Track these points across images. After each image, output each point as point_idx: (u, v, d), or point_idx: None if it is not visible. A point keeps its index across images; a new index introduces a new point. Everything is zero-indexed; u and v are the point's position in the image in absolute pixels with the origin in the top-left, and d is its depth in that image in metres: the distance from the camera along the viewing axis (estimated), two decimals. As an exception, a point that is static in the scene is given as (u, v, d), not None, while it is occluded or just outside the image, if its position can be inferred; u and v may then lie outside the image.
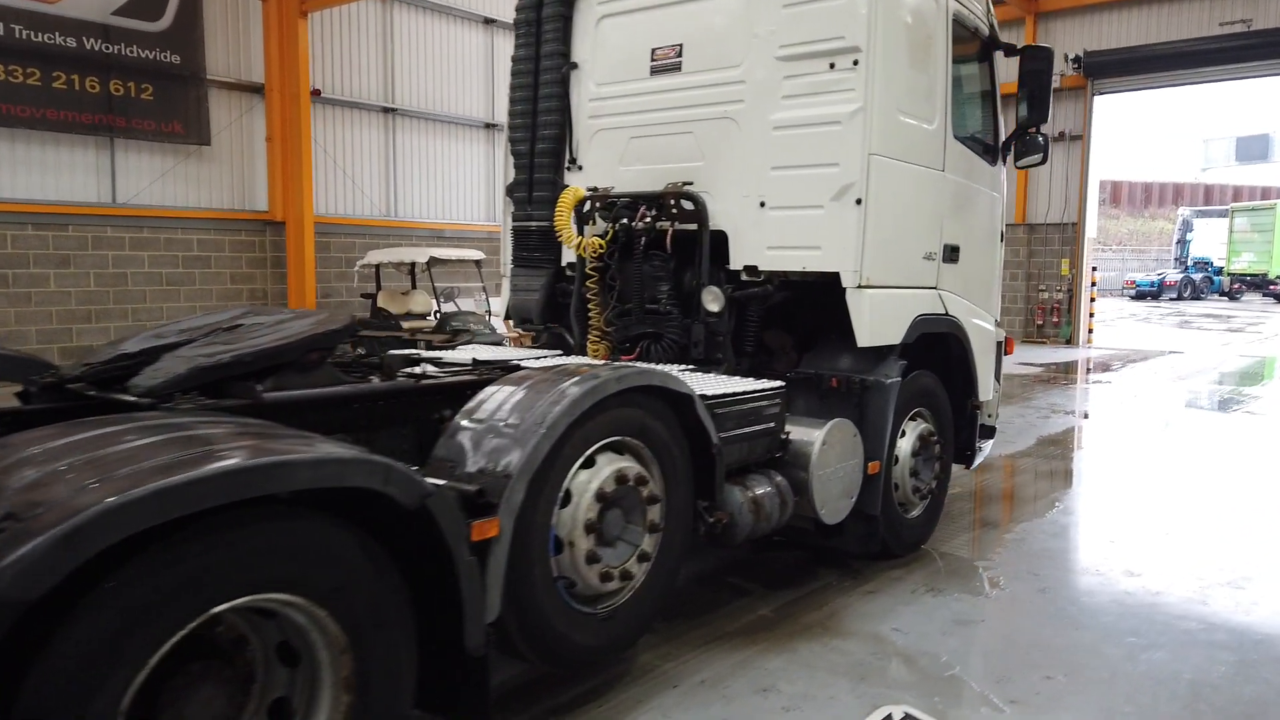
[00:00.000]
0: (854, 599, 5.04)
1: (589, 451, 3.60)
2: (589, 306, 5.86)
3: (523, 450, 3.21)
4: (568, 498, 3.51)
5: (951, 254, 5.82)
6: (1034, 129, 6.23)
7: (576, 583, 3.58)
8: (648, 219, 5.55)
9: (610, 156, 5.98)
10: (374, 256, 14.12)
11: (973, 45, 6.19)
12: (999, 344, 6.63)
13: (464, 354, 5.42)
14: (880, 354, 5.38)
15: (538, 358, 5.54)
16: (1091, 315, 21.69)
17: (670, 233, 5.53)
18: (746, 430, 4.47)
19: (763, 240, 5.32)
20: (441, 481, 2.91)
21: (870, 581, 5.31)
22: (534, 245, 6.22)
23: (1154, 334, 24.56)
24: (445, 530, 2.68)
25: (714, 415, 4.21)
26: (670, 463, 3.91)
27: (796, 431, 4.87)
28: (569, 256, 6.03)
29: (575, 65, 6.07)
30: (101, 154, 14.09)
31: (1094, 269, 22.09)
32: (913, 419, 5.73)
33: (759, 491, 4.49)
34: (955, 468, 6.44)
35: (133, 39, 14.15)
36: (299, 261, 15.60)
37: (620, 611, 3.78)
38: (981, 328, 6.30)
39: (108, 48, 13.89)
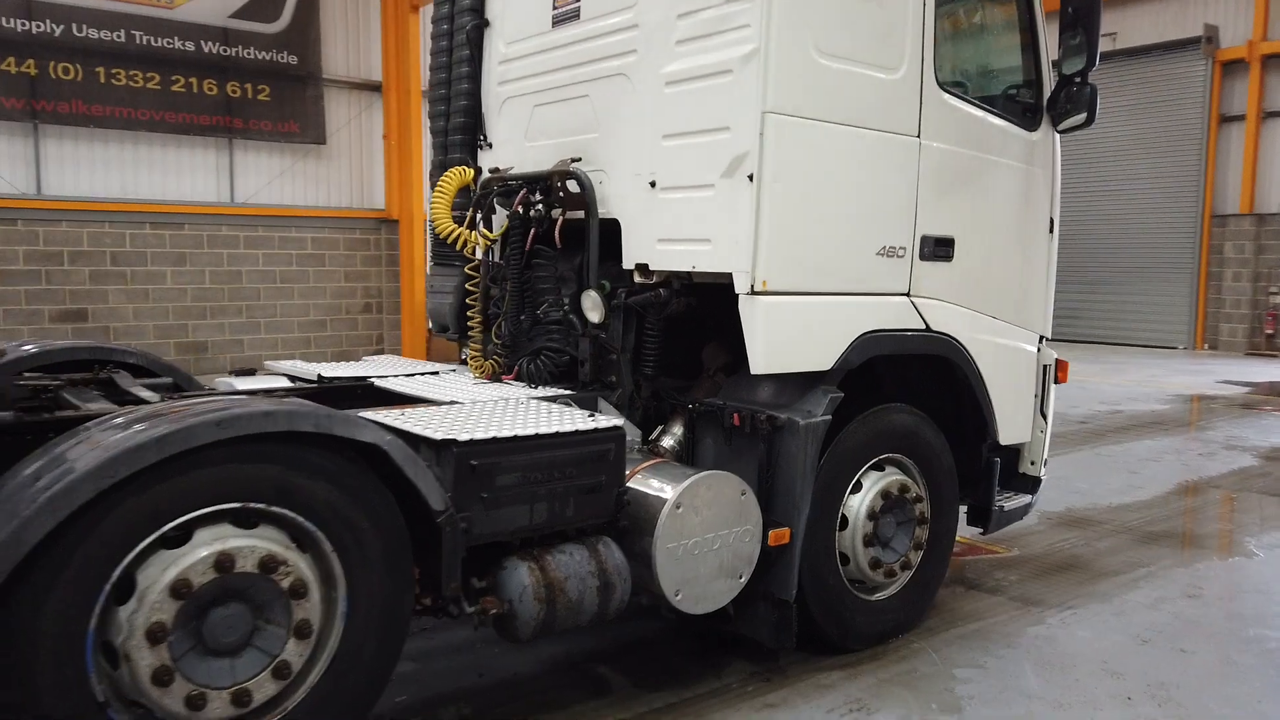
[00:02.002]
0: (742, 713, 3.73)
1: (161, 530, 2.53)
2: (478, 313, 4.81)
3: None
4: (128, 591, 2.50)
5: (939, 249, 4.32)
6: (1079, 78, 4.58)
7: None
8: (535, 206, 4.44)
9: (518, 131, 4.90)
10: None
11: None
12: (1045, 368, 4.99)
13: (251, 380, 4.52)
14: (808, 383, 4.01)
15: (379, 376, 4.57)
16: (1333, 325, 18.18)
17: (560, 223, 4.40)
18: (546, 487, 3.29)
19: (654, 231, 4.09)
20: None
21: (784, 687, 3.96)
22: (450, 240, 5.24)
23: None
24: None
25: (476, 468, 3.08)
26: (348, 537, 2.81)
27: (650, 488, 3.62)
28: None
29: (487, 23, 5.04)
30: (220, 155, 14.39)
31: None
32: (877, 468, 4.29)
33: (559, 571, 3.30)
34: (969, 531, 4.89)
35: (250, 41, 14.36)
36: (410, 259, 15.39)
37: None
38: (1006, 347, 4.72)
39: (226, 50, 14.16)
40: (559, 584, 3.29)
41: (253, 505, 2.60)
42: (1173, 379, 15.04)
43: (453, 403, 3.88)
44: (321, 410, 2.74)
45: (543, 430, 3.28)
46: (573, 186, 4.30)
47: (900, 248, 4.16)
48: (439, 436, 3.07)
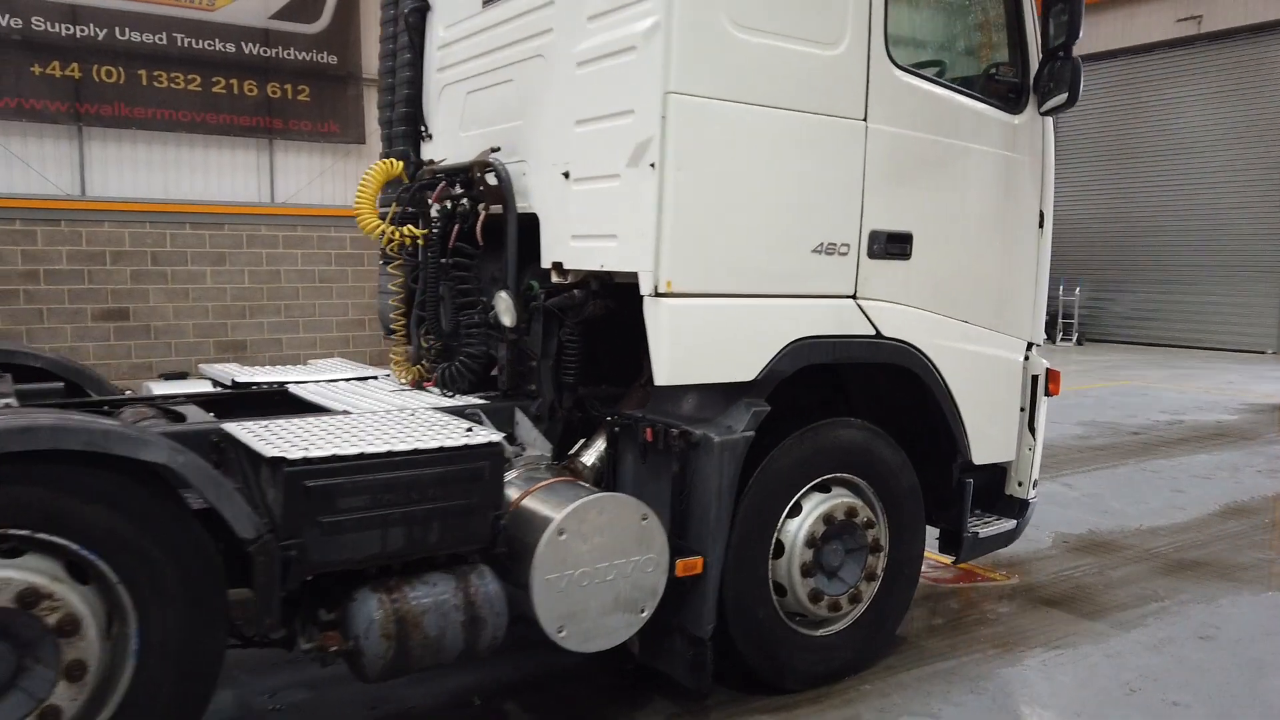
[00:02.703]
0: (644, 764, 3.35)
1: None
2: (401, 316, 4.51)
3: None
4: None
5: (893, 246, 3.86)
6: (1062, 52, 4.06)
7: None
8: (460, 200, 4.13)
9: (454, 120, 4.60)
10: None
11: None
12: (1034, 379, 4.47)
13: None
14: (737, 395, 3.60)
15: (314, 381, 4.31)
16: None
17: (483, 219, 4.07)
18: (403, 510, 2.96)
19: (568, 226, 3.74)
20: None
21: (700, 734, 3.57)
22: (395, 238, 4.96)
23: None
24: None
25: (311, 489, 2.77)
26: (137, 567, 2.52)
27: (537, 511, 3.27)
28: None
29: (428, 6, 4.74)
30: (260, 155, 14.46)
31: None
32: (822, 489, 3.86)
33: (416, 604, 2.97)
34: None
35: (290, 41, 14.40)
36: (448, 259, 15.26)
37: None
38: (981, 356, 4.23)
39: (266, 51, 14.22)
40: (413, 618, 2.96)
41: (12, 532, 2.33)
42: (1253, 386, 13.99)
43: (345, 412, 3.59)
44: (97, 426, 2.46)
45: (397, 448, 2.96)
46: (492, 179, 3.97)
47: (842, 244, 3.71)
48: (271, 453, 2.77)
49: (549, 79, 3.82)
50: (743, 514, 3.62)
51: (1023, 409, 4.49)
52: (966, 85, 4.14)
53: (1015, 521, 4.52)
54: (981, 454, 4.27)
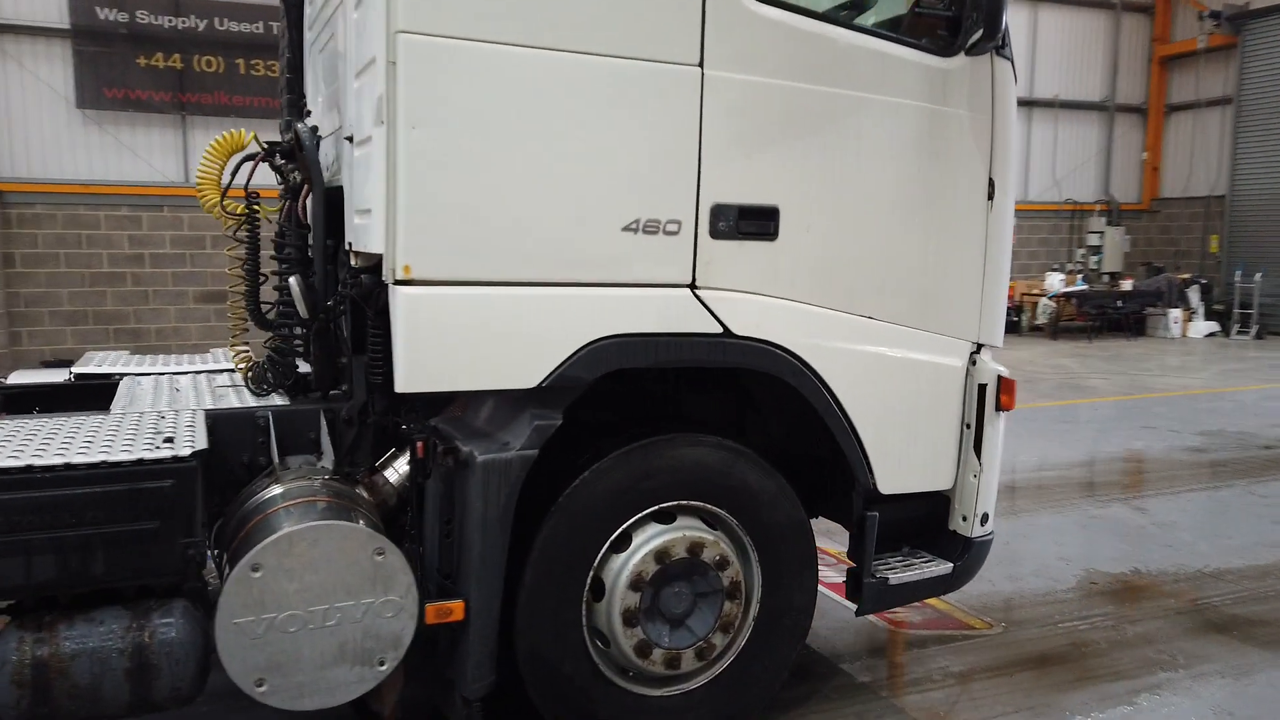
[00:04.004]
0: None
1: None
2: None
3: None
4: None
5: (749, 223, 3.09)
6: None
7: None
8: (280, 174, 3.67)
9: (314, 88, 4.13)
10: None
11: None
12: (981, 389, 3.58)
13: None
14: (519, 404, 2.97)
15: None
16: None
17: (305, 194, 3.58)
18: (52, 536, 2.51)
19: (352, 200, 3.19)
20: None
21: (476, 812, 2.96)
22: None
23: None
24: None
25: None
26: None
27: (250, 540, 2.75)
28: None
29: (306, -31, 4.28)
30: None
31: None
32: (663, 519, 3.16)
33: (65, 647, 2.52)
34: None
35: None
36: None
37: None
38: (891, 361, 3.40)
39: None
40: (58, 664, 2.50)
41: None
42: None
43: (107, 413, 3.20)
44: None
45: (38, 463, 2.50)
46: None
47: (669, 222, 2.98)
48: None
49: (340, 30, 3.28)
50: (542, 547, 2.98)
51: (969, 425, 3.60)
52: (863, 19, 3.31)
53: (948, 565, 3.63)
54: (892, 481, 3.42)
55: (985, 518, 3.66)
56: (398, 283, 2.71)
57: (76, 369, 4.23)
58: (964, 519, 3.65)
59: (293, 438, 3.30)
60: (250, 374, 3.64)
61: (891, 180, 3.33)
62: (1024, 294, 19.38)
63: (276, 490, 2.97)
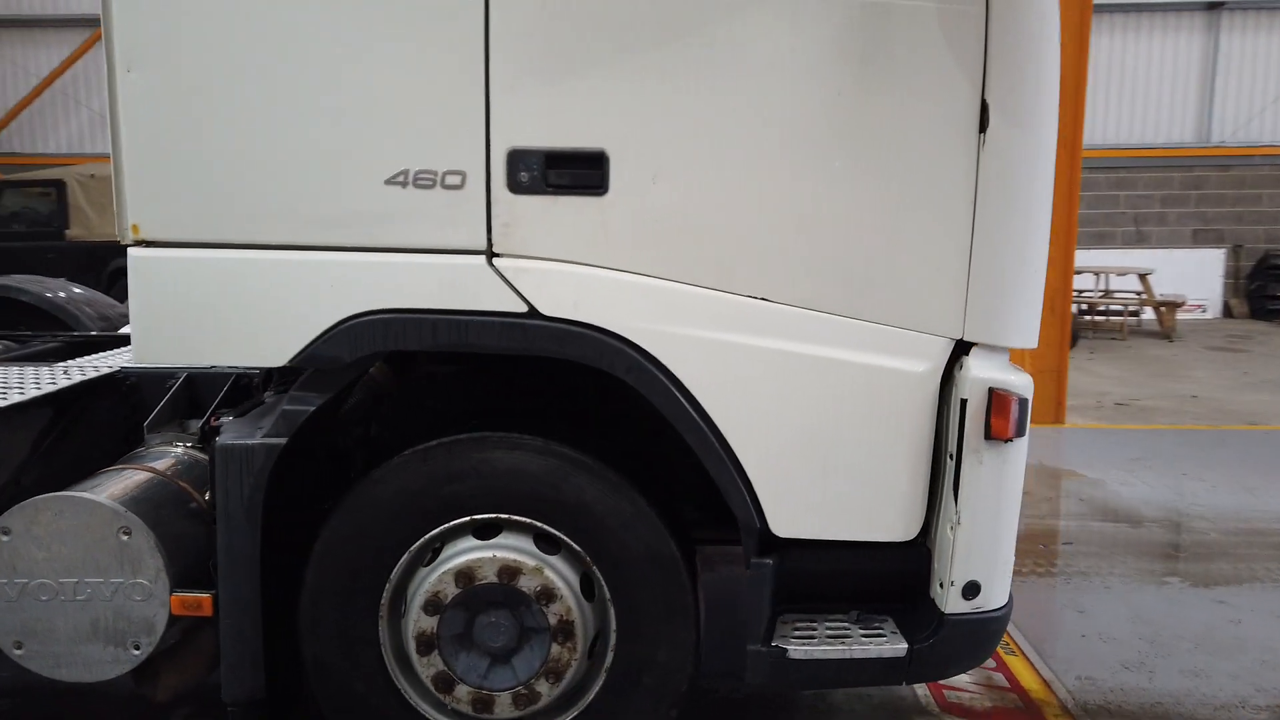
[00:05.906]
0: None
1: None
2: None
3: None
4: None
5: (563, 174, 2.40)
6: None
7: None
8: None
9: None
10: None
11: None
12: (962, 404, 2.50)
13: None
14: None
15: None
16: None
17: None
18: None
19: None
20: None
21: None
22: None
23: None
24: None
25: None
26: None
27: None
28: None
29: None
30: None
31: None
32: (486, 532, 2.64)
33: None
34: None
35: None
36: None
37: None
38: (792, 357, 2.50)
39: None
40: None
41: None
42: None
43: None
44: None
45: None
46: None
47: (449, 173, 2.39)
48: None
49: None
50: (321, 548, 2.63)
51: (952, 456, 2.55)
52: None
53: (907, 646, 2.60)
54: (794, 523, 2.52)
55: (973, 588, 2.58)
56: (133, 244, 2.48)
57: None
58: (940, 586, 2.61)
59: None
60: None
61: (794, 105, 2.39)
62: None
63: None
